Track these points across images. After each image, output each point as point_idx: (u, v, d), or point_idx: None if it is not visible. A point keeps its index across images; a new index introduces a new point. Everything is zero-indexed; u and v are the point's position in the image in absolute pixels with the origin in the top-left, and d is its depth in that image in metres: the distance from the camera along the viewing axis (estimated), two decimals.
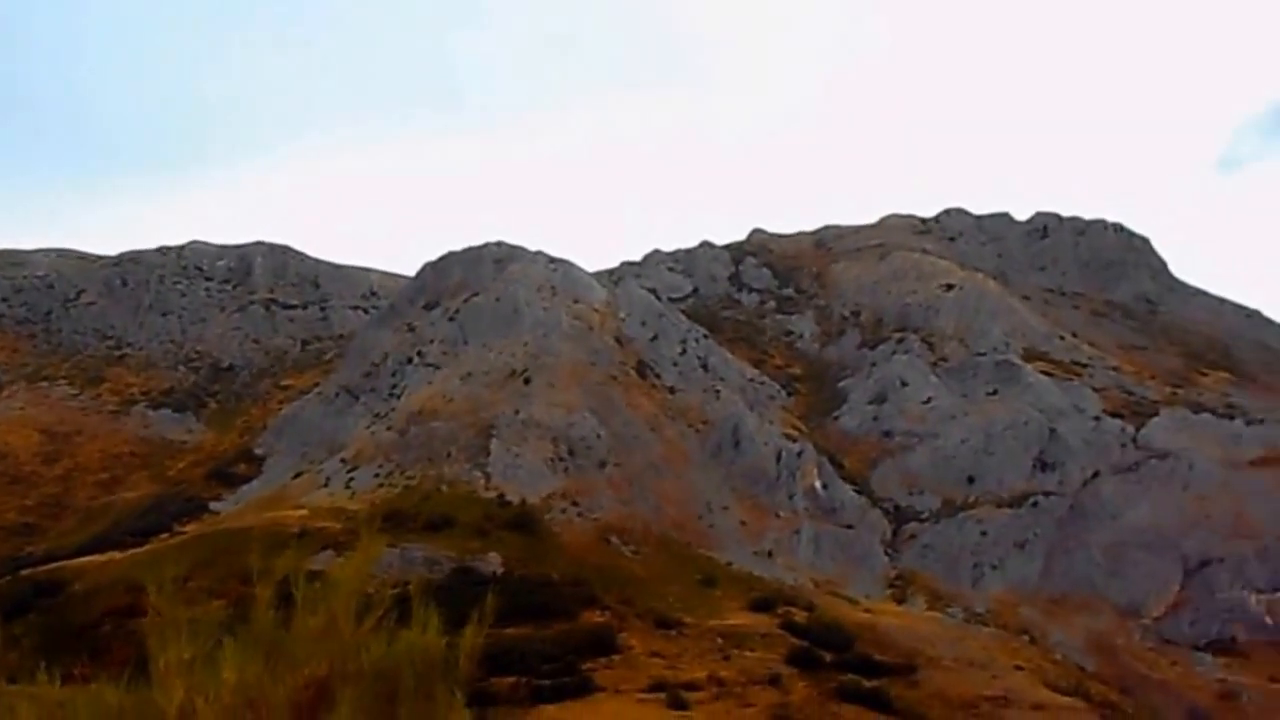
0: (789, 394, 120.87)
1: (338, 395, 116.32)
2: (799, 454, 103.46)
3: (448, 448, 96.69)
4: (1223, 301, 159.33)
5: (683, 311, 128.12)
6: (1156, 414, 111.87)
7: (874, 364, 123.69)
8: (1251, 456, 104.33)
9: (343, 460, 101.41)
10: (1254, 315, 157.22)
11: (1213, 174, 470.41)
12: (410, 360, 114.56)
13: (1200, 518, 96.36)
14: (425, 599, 9.05)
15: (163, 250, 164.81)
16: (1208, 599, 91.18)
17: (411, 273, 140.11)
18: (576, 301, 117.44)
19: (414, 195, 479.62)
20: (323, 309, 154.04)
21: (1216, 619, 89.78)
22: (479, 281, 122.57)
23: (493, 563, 76.58)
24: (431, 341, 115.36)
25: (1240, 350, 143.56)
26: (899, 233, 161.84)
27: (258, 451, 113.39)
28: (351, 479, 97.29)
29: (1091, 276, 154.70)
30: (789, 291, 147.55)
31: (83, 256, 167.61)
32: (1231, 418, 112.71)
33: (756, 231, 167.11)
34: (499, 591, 64.51)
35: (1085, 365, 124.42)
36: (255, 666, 8.63)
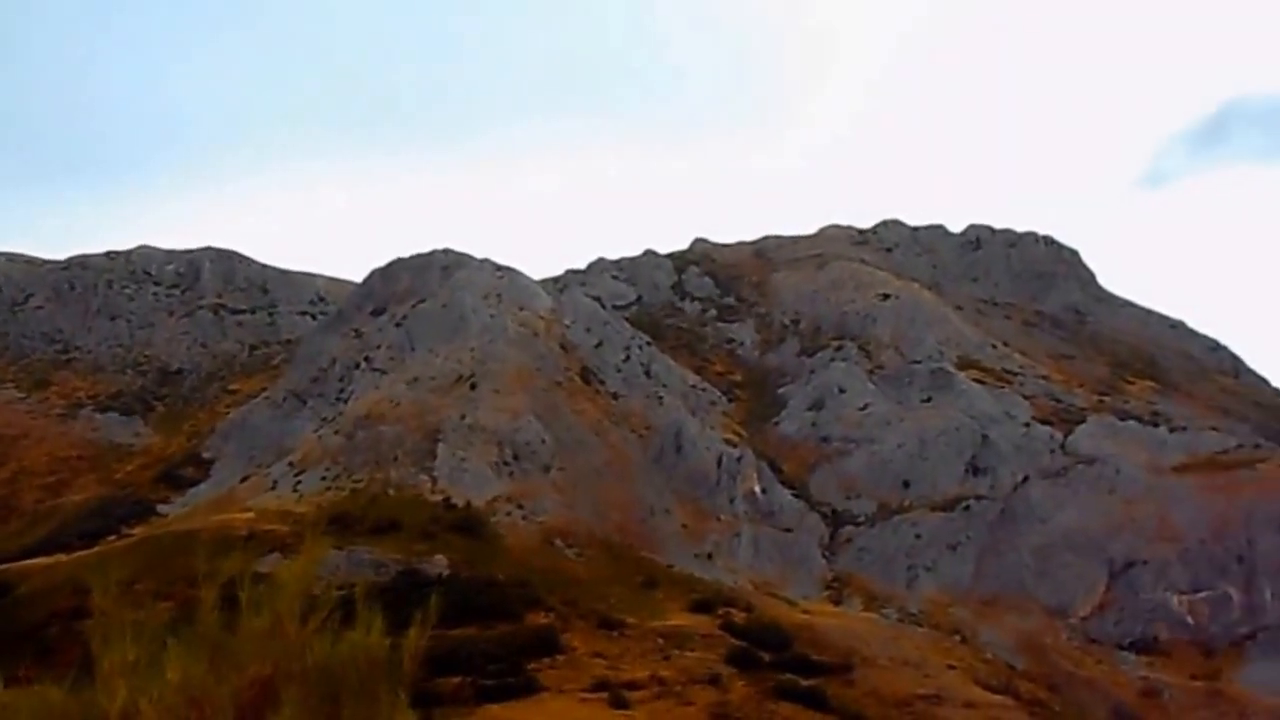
0: (730, 400, 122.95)
1: (285, 400, 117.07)
2: (739, 459, 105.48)
3: (394, 451, 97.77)
4: (1149, 313, 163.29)
5: (626, 319, 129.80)
6: (1084, 421, 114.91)
7: (812, 371, 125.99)
8: (1175, 463, 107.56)
9: (290, 464, 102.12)
10: (1178, 326, 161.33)
11: (1140, 189, 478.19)
12: (358, 365, 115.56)
13: (1125, 521, 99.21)
14: (371, 601, 9.18)
15: (111, 255, 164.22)
16: (1132, 600, 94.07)
17: (359, 279, 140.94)
18: (522, 308, 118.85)
19: (362, 203, 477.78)
20: (270, 314, 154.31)
21: (1140, 619, 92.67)
22: (426, 288, 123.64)
23: (439, 565, 77.55)
24: (379, 347, 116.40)
25: (1165, 360, 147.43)
26: (837, 243, 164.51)
27: (205, 455, 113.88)
28: (299, 482, 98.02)
29: (1022, 287, 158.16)
30: (730, 300, 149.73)
31: (31, 260, 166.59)
32: (1156, 425, 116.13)
33: (699, 241, 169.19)
34: (445, 593, 66.14)
35: (1016, 373, 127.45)
36: (199, 667, 8.68)
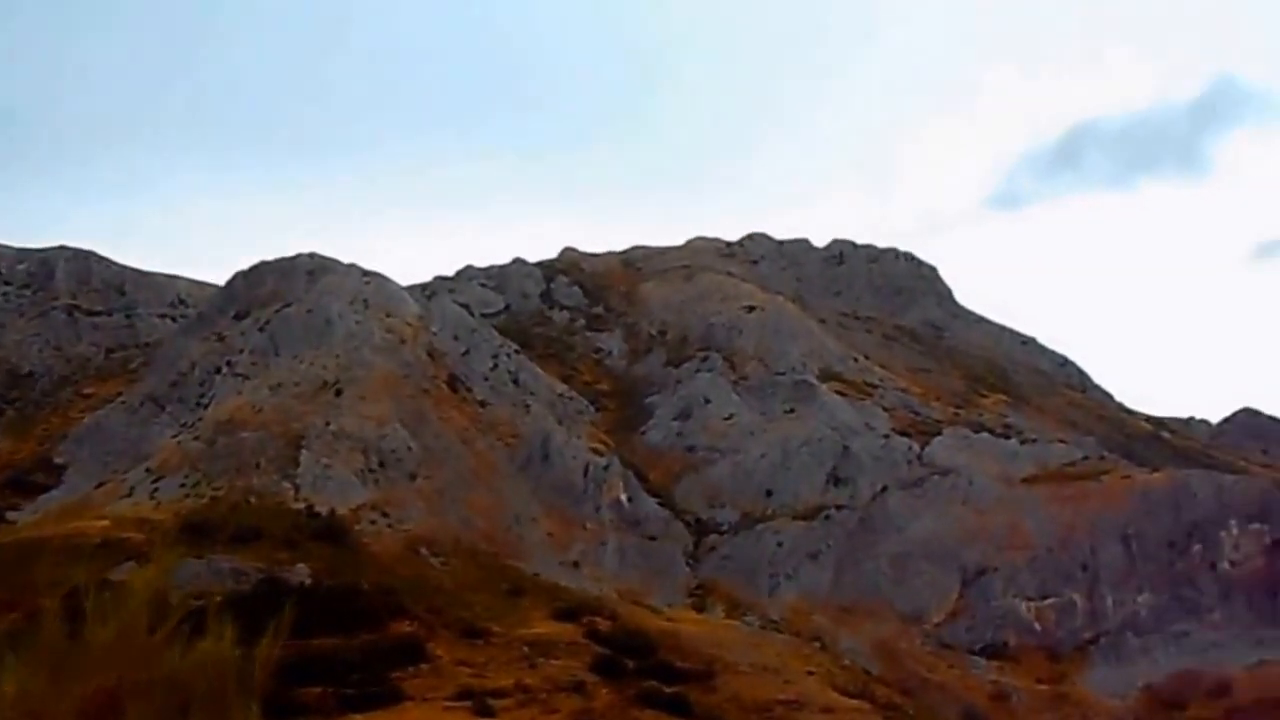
0: (597, 409, 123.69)
1: (143, 404, 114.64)
2: (606, 468, 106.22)
3: (256, 458, 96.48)
4: (1002, 329, 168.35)
5: (495, 327, 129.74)
6: (940, 433, 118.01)
7: (679, 381, 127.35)
8: (1025, 474, 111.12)
9: (148, 470, 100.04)
10: (1029, 342, 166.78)
11: (993, 209, 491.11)
12: (219, 370, 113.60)
13: (978, 530, 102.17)
14: (225, 610, 8.92)
15: None
16: (984, 606, 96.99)
17: (222, 282, 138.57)
18: (389, 315, 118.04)
19: (227, 205, 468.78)
20: (128, 316, 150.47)
21: (991, 625, 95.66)
22: (291, 292, 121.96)
23: (301, 574, 76.77)
24: (241, 351, 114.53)
25: (1017, 374, 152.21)
26: (704, 255, 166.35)
27: (58, 460, 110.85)
28: (156, 489, 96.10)
29: (883, 302, 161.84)
30: (598, 309, 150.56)
31: None
32: (1008, 437, 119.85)
33: (568, 250, 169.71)
34: (307, 602, 65.68)
35: (876, 386, 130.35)
36: (39, 680, 8.20)
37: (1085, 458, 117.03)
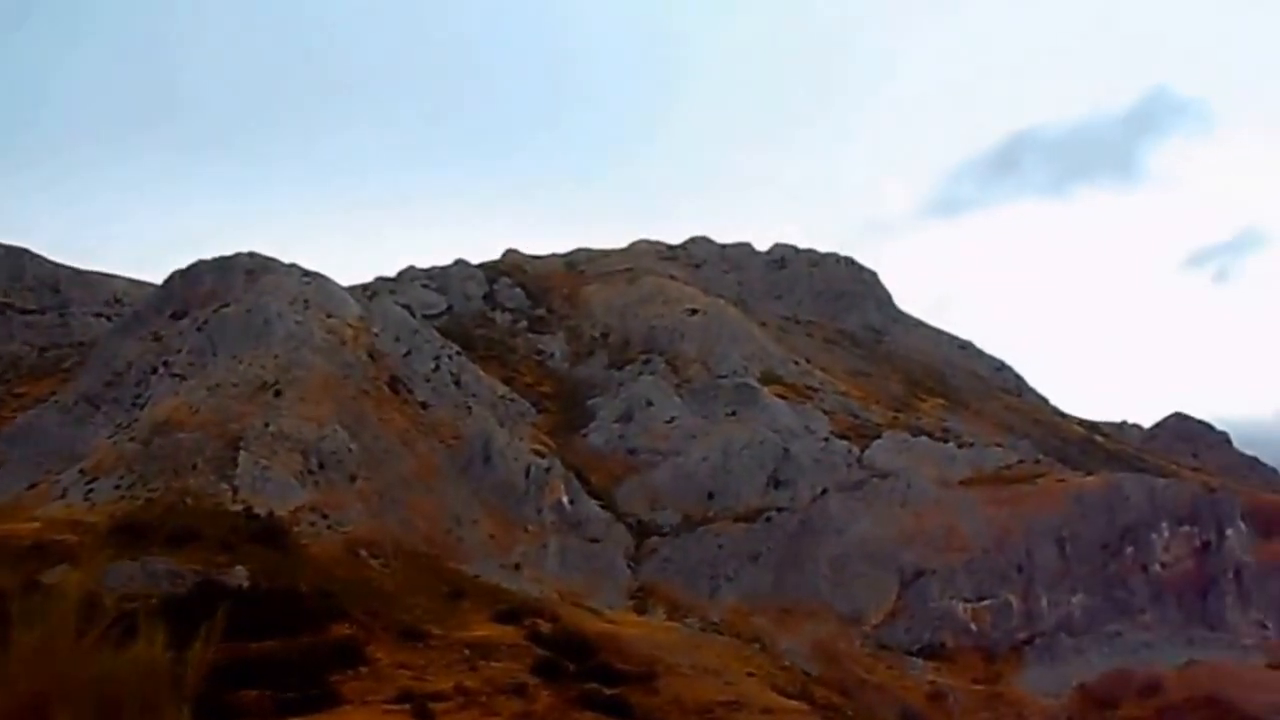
0: (539, 411, 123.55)
1: (77, 404, 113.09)
2: (547, 470, 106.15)
3: (193, 459, 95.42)
4: (940, 333, 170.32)
5: (436, 328, 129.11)
6: (879, 436, 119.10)
7: (621, 384, 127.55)
8: (962, 476, 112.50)
9: (82, 471, 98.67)
10: (967, 346, 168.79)
11: (933, 215, 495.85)
12: (155, 370, 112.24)
13: (916, 533, 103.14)
14: (164, 613, 8.65)
15: None
16: (921, 608, 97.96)
17: (159, 280, 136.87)
18: (330, 315, 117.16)
19: (165, 203, 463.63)
20: (62, 315, 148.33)
21: (928, 626, 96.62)
22: (230, 292, 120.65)
23: (238, 576, 76.10)
24: (179, 351, 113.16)
25: (954, 378, 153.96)
26: (647, 258, 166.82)
27: None
28: (91, 490, 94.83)
29: (824, 306, 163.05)
30: (541, 311, 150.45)
31: None
32: (945, 441, 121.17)
33: (510, 252, 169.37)
34: (245, 605, 65.13)
35: (816, 389, 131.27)
36: None
37: (1021, 461, 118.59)
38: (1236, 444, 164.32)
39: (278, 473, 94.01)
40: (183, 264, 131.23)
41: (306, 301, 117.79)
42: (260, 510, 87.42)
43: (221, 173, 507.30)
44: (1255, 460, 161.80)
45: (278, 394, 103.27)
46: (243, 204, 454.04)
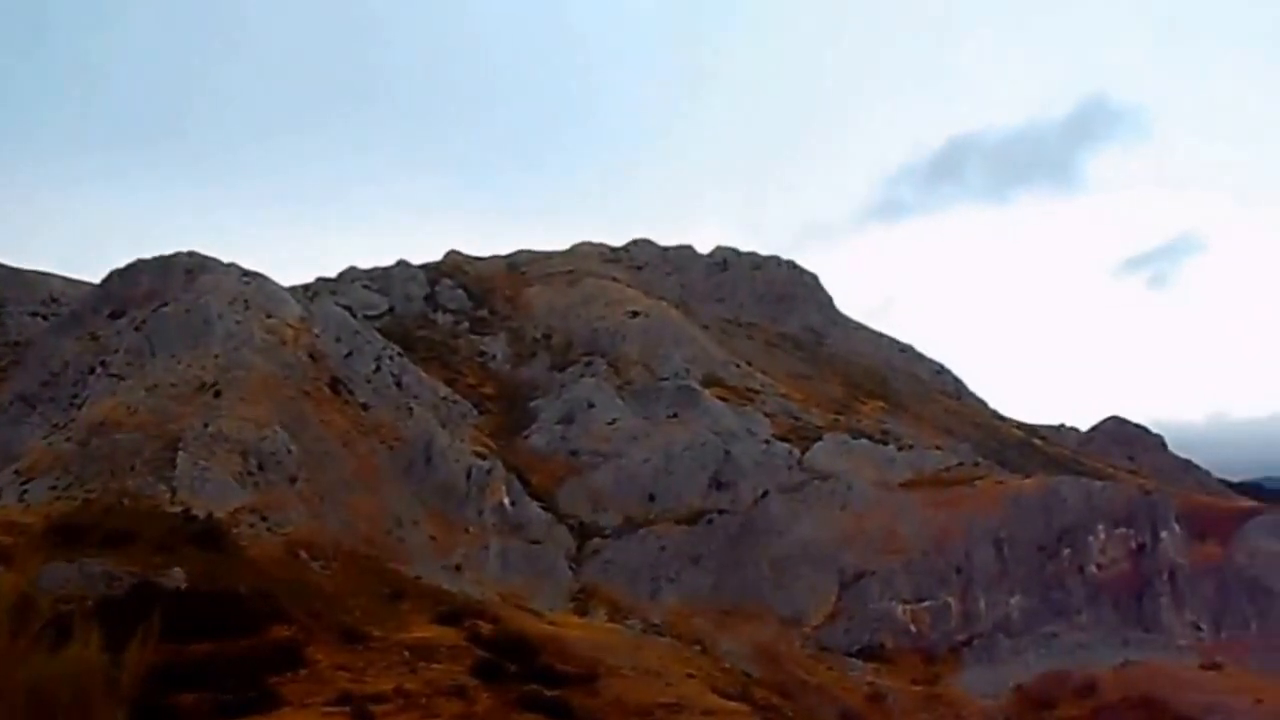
0: (480, 413, 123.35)
1: (13, 404, 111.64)
2: (489, 471, 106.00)
3: (131, 460, 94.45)
4: (880, 336, 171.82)
5: (378, 329, 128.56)
6: (820, 439, 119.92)
7: (563, 385, 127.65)
8: (901, 479, 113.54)
9: (17, 472, 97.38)
10: (907, 350, 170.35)
11: (874, 218, 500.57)
12: (93, 370, 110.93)
13: (856, 535, 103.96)
14: (101, 615, 8.73)
15: None
16: (861, 609, 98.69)
17: (97, 280, 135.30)
18: (270, 316, 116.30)
19: (104, 202, 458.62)
20: None
21: (868, 627, 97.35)
22: (169, 291, 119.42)
23: (176, 578, 75.44)
24: (116, 351, 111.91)
25: (895, 381, 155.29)
26: (589, 260, 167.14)
27: None
28: (26, 491, 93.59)
29: (765, 309, 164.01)
30: (483, 313, 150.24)
31: None
32: (885, 443, 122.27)
33: (452, 253, 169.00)
34: (183, 607, 64.68)
35: (758, 392, 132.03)
36: None
37: (960, 464, 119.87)
38: (1171, 447, 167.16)
39: (217, 474, 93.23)
40: (121, 263, 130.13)
41: (246, 302, 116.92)
42: (199, 511, 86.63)
43: (161, 172, 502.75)
44: (1189, 463, 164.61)
45: (217, 394, 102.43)
46: (183, 203, 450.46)
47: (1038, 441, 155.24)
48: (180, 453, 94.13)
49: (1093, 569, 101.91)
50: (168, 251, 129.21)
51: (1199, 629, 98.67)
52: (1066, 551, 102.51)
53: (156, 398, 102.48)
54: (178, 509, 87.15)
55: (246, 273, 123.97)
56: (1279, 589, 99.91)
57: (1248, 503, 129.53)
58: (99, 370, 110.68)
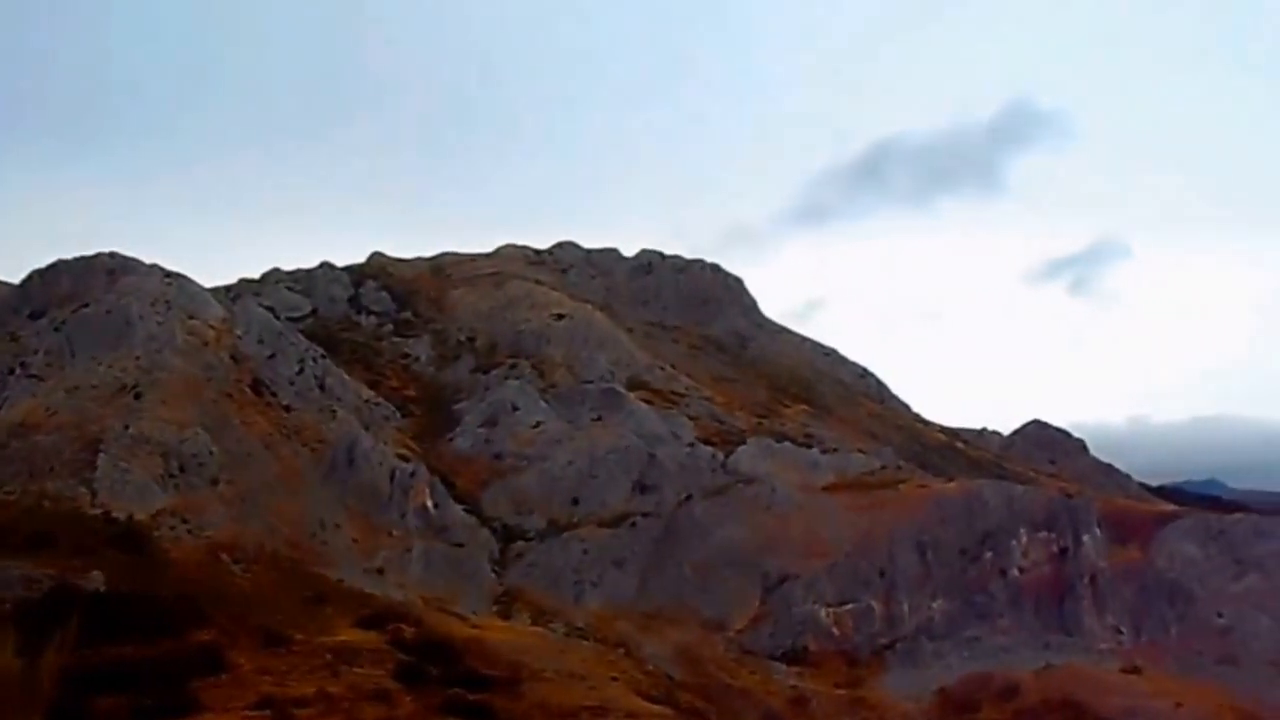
0: (404, 415, 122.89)
1: None
2: (412, 474, 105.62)
3: (51, 462, 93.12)
4: (804, 340, 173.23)
5: (301, 331, 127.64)
6: (744, 442, 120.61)
7: (487, 388, 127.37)
8: (825, 482, 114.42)
9: None
10: (831, 353, 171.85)
11: (799, 222, 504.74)
12: (12, 371, 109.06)
13: (780, 538, 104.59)
14: (18, 619, 8.37)
15: None
16: (785, 612, 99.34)
17: (17, 280, 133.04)
18: (192, 317, 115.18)
19: (23, 202, 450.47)
20: None
21: (791, 631, 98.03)
22: (89, 292, 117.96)
23: (95, 581, 74.60)
24: (36, 352, 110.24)
25: (818, 385, 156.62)
26: (514, 263, 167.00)
27: None
28: None
29: (690, 312, 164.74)
30: (407, 315, 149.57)
31: None
32: (809, 447, 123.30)
33: (376, 255, 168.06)
34: (102, 610, 63.96)
35: (682, 395, 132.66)
36: None
37: (883, 467, 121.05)
38: (1093, 451, 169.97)
39: (138, 476, 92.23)
40: (41, 264, 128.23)
41: (168, 303, 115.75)
42: (119, 514, 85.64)
43: (82, 171, 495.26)
44: (1111, 467, 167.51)
45: (138, 396, 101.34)
46: (104, 204, 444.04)
47: (960, 445, 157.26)
48: (101, 454, 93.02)
49: (1014, 572, 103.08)
50: (89, 252, 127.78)
51: (1120, 632, 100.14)
52: (989, 555, 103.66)
53: (77, 399, 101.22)
54: (98, 511, 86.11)
55: (168, 274, 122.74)
56: (1199, 593, 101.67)
57: (1168, 506, 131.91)
58: (18, 371, 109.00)
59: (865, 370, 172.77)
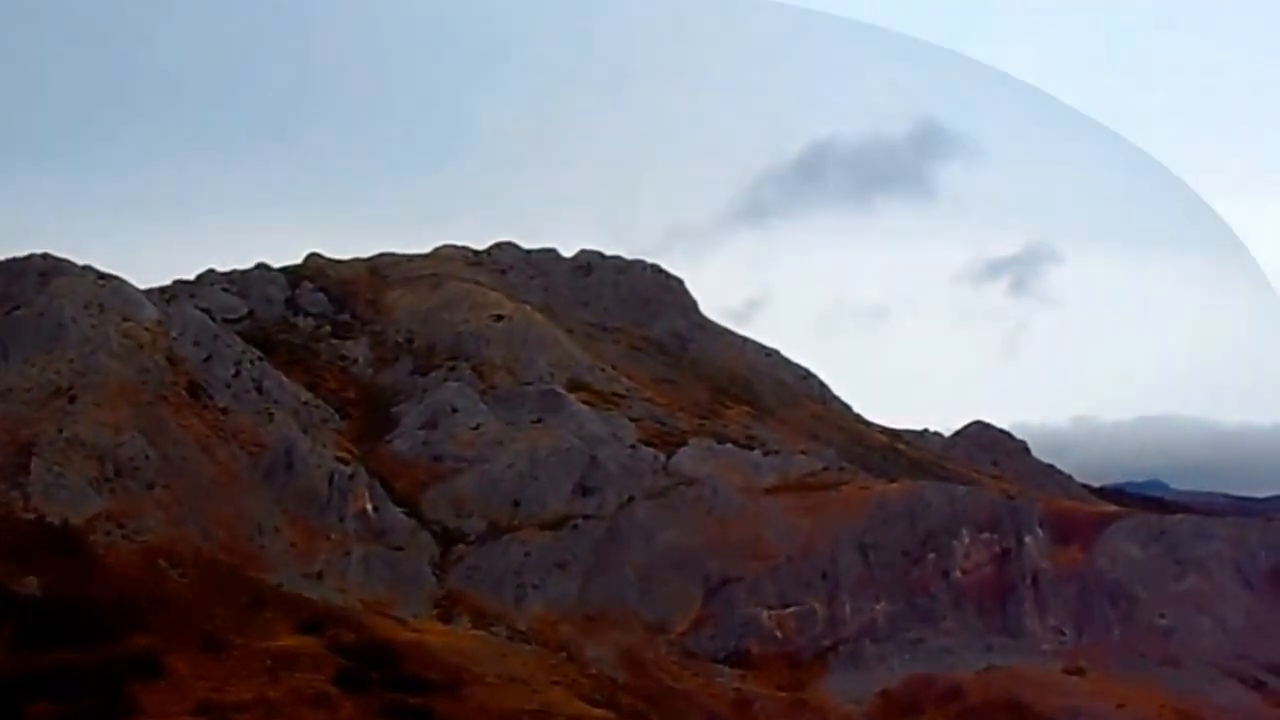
0: (342, 418, 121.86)
1: None
2: (351, 477, 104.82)
3: None
4: (746, 341, 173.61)
5: (237, 333, 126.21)
6: (685, 443, 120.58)
7: (426, 390, 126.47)
8: (767, 484, 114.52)
9: None
10: (773, 354, 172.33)
11: (739, 222, 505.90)
12: None
13: (722, 540, 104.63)
14: None
15: None
16: (727, 615, 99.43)
17: None
18: (126, 319, 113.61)
19: None
20: None
21: (734, 633, 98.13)
22: (21, 295, 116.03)
23: (30, 586, 73.58)
24: None
25: (760, 386, 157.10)
26: (452, 263, 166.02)
27: None
28: None
29: (630, 313, 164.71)
30: (345, 317, 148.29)
31: None
32: (751, 448, 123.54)
33: (313, 256, 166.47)
34: (37, 615, 63.09)
35: (623, 396, 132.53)
36: None
37: (825, 469, 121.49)
38: (1035, 452, 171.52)
39: (72, 480, 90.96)
40: None
41: (102, 305, 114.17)
42: (54, 519, 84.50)
43: (12, 171, 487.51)
44: (1053, 468, 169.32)
45: (72, 399, 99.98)
46: (35, 204, 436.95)
47: (902, 446, 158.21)
48: (34, 459, 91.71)
49: (957, 574, 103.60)
50: (20, 254, 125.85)
51: (1062, 634, 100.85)
52: (931, 556, 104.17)
53: (9, 403, 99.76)
54: (31, 516, 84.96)
55: (102, 275, 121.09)
56: (1141, 594, 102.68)
57: (1110, 507, 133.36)
58: None
59: (807, 371, 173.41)
